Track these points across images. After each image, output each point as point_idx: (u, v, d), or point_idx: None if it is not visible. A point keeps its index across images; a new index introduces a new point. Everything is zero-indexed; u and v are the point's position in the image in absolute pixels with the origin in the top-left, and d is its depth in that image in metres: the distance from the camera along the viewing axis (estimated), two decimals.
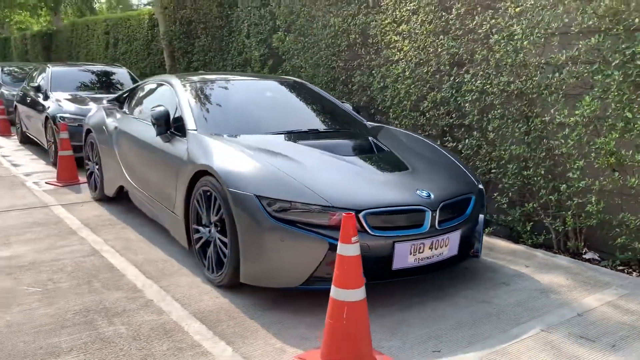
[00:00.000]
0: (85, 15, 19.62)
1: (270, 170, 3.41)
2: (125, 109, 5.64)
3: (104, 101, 6.55)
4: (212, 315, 3.25)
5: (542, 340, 3.01)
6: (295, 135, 4.21)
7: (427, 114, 5.51)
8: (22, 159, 8.82)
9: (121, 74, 9.85)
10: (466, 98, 5.00)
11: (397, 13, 5.73)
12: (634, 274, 4.04)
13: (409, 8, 5.58)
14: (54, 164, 8.01)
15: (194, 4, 9.06)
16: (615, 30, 3.87)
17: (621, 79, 3.86)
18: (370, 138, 4.26)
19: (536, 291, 3.68)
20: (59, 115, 7.82)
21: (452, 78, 5.16)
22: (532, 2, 4.32)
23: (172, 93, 4.71)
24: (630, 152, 3.96)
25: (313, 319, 3.20)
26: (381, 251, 3.21)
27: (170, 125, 4.33)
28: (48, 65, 9.56)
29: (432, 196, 3.42)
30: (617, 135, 3.96)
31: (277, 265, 3.21)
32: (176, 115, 4.41)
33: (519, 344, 2.97)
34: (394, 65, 5.82)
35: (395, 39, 5.76)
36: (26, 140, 10.25)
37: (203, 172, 3.71)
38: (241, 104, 4.69)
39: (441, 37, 5.24)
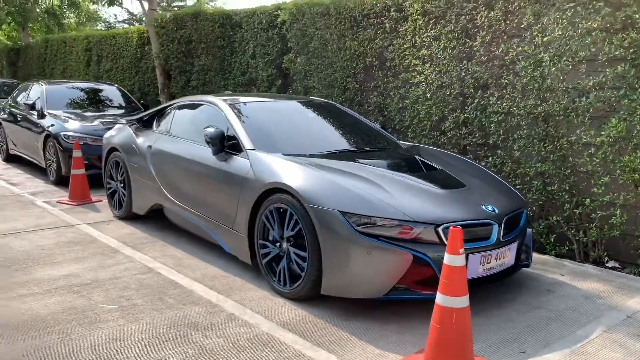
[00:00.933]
0: (53, 32, 19.23)
1: (347, 186, 3.62)
2: (155, 129, 5.72)
3: (123, 120, 6.60)
4: (300, 325, 3.41)
5: (608, 340, 3.33)
6: (349, 154, 4.44)
7: (448, 134, 5.84)
8: (17, 177, 8.64)
9: (112, 90, 9.85)
10: (491, 119, 5.36)
11: (417, 39, 6.08)
12: None
13: (429, 34, 5.93)
14: (56, 183, 7.92)
15: (195, 24, 9.18)
16: (639, 60, 4.32)
17: None
18: (416, 157, 4.54)
19: (581, 297, 4.01)
20: (62, 133, 7.77)
21: (476, 100, 5.52)
22: (560, 33, 4.74)
23: (218, 113, 4.86)
24: None
25: (398, 327, 3.41)
26: None
27: (225, 145, 4.48)
28: (40, 82, 9.43)
29: (497, 211, 3.71)
30: None
31: (362, 276, 3.41)
32: (227, 134, 4.55)
33: (590, 344, 3.27)
34: (413, 87, 6.14)
35: (415, 62, 6.10)
36: (11, 159, 10.02)
37: (273, 190, 3.87)
38: (287, 123, 4.89)
39: (465, 62, 5.61)
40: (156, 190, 5.31)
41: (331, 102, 5.66)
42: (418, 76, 6.08)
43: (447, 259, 2.83)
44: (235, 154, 4.40)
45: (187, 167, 4.87)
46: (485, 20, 5.36)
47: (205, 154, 4.66)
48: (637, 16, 4.35)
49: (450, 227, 2.83)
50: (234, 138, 4.52)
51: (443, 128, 5.90)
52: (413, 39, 6.14)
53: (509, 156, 5.30)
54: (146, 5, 10.50)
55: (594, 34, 4.55)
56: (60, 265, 4.47)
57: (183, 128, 5.27)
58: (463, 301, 2.82)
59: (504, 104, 5.25)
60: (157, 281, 4.15)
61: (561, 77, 4.79)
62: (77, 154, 6.91)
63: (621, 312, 3.74)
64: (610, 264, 4.83)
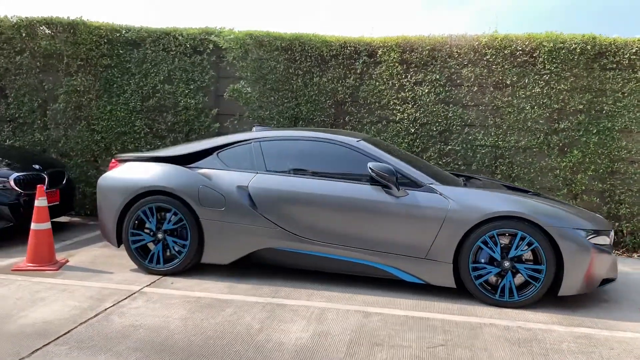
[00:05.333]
0: None
1: (557, 208, 4.70)
2: (224, 167, 5.15)
3: (126, 156, 5.46)
4: (568, 320, 4.31)
5: None
6: (473, 181, 5.38)
7: (430, 162, 7.13)
8: None
9: None
10: (477, 151, 6.96)
11: (395, 82, 7.14)
12: None
13: (411, 80, 7.10)
14: None
15: (72, 35, 7.52)
16: (592, 111, 6.67)
17: (596, 140, 6.68)
18: (500, 182, 5.79)
19: None
20: None
21: (462, 136, 7.01)
22: (539, 90, 6.72)
23: (349, 151, 5.00)
24: (595, 182, 6.81)
25: (608, 303, 4.68)
26: None
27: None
28: None
29: None
30: (591, 173, 6.76)
31: (591, 276, 4.55)
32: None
33: None
34: (393, 123, 7.17)
35: (395, 102, 7.15)
36: None
37: (490, 219, 4.55)
38: (405, 157, 5.32)
39: (451, 105, 7.03)
40: (267, 233, 4.91)
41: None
42: (399, 114, 7.14)
43: None
44: (415, 189, 4.75)
45: (340, 205, 4.80)
46: (472, 74, 6.92)
47: (367, 190, 4.79)
48: (586, 84, 6.68)
49: None
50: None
51: (424, 158, 7.14)
52: (390, 81, 7.16)
53: (492, 178, 6.99)
54: None
55: (563, 93, 6.71)
56: (281, 331, 3.91)
57: (299, 165, 5.06)
58: None
59: (490, 139, 6.93)
60: (392, 322, 4.21)
61: (541, 121, 6.79)
62: (41, 202, 5.24)
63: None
64: None
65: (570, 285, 4.53)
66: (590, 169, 6.78)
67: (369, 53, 7.21)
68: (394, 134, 7.17)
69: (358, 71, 7.23)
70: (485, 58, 6.90)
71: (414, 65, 7.10)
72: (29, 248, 5.19)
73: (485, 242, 4.58)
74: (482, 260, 4.64)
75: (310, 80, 7.31)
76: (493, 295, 4.61)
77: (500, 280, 4.63)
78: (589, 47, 6.61)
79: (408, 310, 4.42)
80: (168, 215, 5.07)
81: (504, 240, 4.65)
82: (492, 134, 6.97)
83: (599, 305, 4.74)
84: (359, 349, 3.63)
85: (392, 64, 7.12)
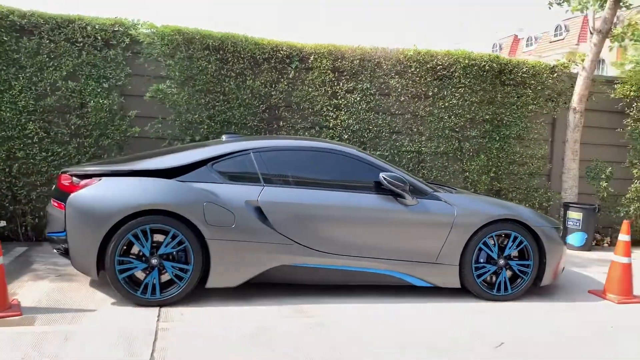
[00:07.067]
0: None
1: (533, 210, 5.39)
2: (222, 180, 4.70)
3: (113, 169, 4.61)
4: (556, 307, 5.02)
5: None
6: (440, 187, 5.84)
7: None
8: None
9: None
10: (403, 156, 7.47)
11: (328, 89, 7.25)
12: None
13: (343, 88, 7.27)
14: None
15: None
16: (495, 121, 7.69)
17: (498, 146, 7.72)
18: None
19: None
20: None
21: (390, 142, 7.43)
22: (455, 102, 7.49)
23: (358, 162, 5.03)
24: (495, 182, 7.87)
25: (574, 286, 5.55)
26: None
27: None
28: None
29: None
30: (493, 175, 7.80)
31: (559, 266, 5.34)
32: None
33: None
34: (326, 129, 7.27)
35: (328, 108, 7.25)
36: None
37: (491, 222, 5.03)
38: (396, 167, 5.49)
39: (380, 113, 7.38)
40: (282, 250, 4.65)
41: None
42: (332, 120, 7.26)
43: (624, 237, 5.39)
44: (422, 197, 4.99)
45: (358, 216, 4.79)
46: (398, 85, 7.37)
47: (381, 200, 4.88)
48: (490, 97, 7.66)
49: (625, 221, 5.41)
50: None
51: None
52: (323, 88, 7.23)
53: None
54: None
55: (474, 104, 7.58)
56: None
57: (305, 176, 4.87)
58: (629, 259, 5.46)
59: (414, 146, 7.48)
60: (442, 325, 4.42)
61: (457, 129, 7.57)
62: None
63: None
64: None
65: (548, 276, 5.25)
66: (492, 171, 7.81)
67: (301, 58, 7.17)
68: (327, 139, 7.25)
69: (290, 76, 7.14)
70: (410, 70, 7.42)
71: (345, 73, 7.28)
72: None
73: (485, 243, 5.04)
74: (482, 260, 5.09)
75: (243, 82, 6.97)
76: (491, 291, 5.09)
77: (495, 278, 5.13)
78: (494, 64, 7.59)
79: (440, 315, 4.63)
80: (166, 237, 4.45)
81: (497, 241, 5.17)
82: (416, 140, 7.54)
83: (560, 291, 5.58)
84: (473, 346, 3.75)
85: (324, 71, 7.19)
